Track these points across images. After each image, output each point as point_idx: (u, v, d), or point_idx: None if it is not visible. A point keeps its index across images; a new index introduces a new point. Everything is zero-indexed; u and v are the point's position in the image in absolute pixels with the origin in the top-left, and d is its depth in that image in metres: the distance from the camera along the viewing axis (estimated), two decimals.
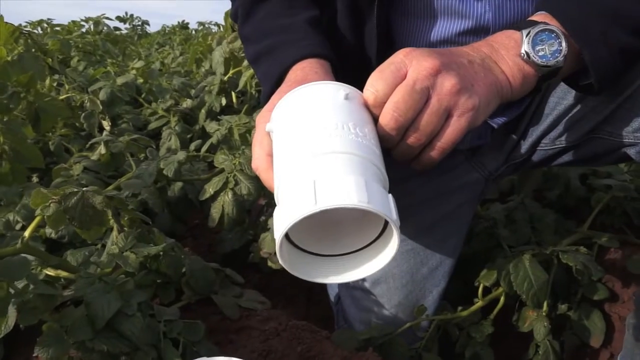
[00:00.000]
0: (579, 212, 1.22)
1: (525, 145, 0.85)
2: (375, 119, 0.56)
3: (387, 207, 0.45)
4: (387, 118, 0.54)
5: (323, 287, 1.17)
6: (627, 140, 0.69)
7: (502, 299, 0.96)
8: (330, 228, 0.51)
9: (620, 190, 1.16)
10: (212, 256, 1.23)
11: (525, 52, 0.58)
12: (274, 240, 0.98)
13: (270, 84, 0.68)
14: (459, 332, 0.97)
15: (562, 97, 0.77)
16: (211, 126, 1.21)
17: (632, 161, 0.82)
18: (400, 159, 0.60)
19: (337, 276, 0.50)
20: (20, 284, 0.57)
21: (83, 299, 0.58)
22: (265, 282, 1.22)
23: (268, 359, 0.69)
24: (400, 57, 0.56)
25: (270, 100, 0.61)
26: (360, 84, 0.58)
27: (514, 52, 0.59)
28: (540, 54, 0.58)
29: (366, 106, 0.56)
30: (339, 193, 0.43)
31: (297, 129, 0.51)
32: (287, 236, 0.47)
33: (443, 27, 0.73)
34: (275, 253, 0.97)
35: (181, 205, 1.25)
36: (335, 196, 0.43)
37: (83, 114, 1.53)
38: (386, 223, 0.48)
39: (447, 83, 0.54)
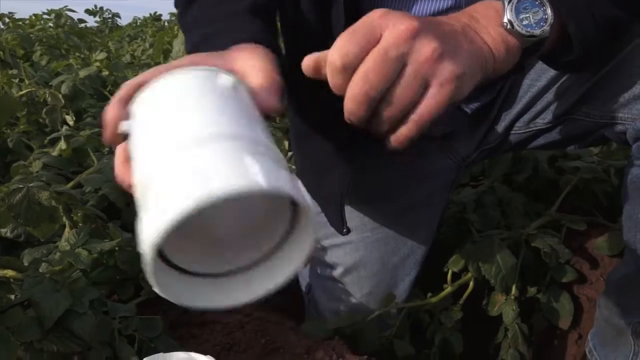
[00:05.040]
0: (548, 194, 1.22)
1: (498, 130, 0.83)
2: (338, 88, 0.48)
3: (295, 188, 0.34)
4: (355, 90, 0.47)
5: (297, 278, 1.16)
6: (604, 120, 0.67)
7: (471, 284, 0.96)
8: (209, 245, 0.40)
9: (588, 172, 1.16)
10: None
11: (508, 20, 0.52)
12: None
13: None
14: (429, 319, 0.97)
15: (535, 79, 0.76)
16: None
17: (609, 143, 0.81)
18: (373, 133, 0.52)
19: (227, 297, 0.39)
20: None
21: (31, 300, 0.55)
22: None
23: (231, 352, 0.67)
24: (375, 18, 0.48)
25: None
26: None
27: (496, 22, 0.53)
28: (524, 22, 0.52)
29: (252, 97, 0.46)
30: (234, 175, 0.32)
31: (162, 120, 0.40)
32: (161, 253, 0.36)
33: (417, 8, 0.71)
34: None
35: None
36: (232, 179, 0.32)
37: (45, 109, 1.49)
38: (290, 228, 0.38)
39: (425, 48, 0.46)
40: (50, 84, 1.67)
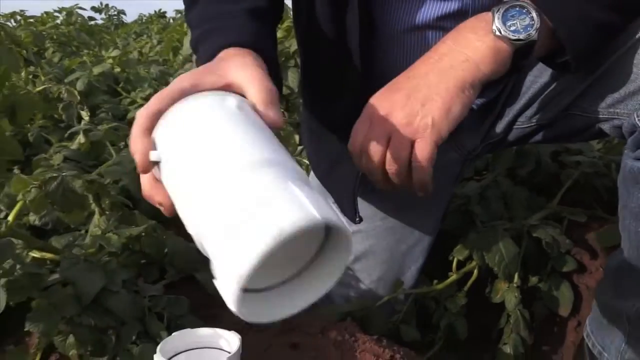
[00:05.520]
0: (550, 188, 1.26)
1: (502, 124, 0.87)
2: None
3: (337, 215, 0.37)
4: (362, 164, 0.64)
5: None
6: (601, 116, 0.71)
7: (475, 272, 1.00)
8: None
9: (589, 166, 1.20)
10: None
11: (497, 27, 0.59)
12: None
13: None
14: (435, 305, 1.01)
15: (538, 76, 0.79)
16: None
17: (608, 137, 0.86)
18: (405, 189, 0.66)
19: (292, 304, 0.41)
20: (7, 265, 0.59)
21: (69, 279, 0.60)
22: None
23: (251, 332, 0.72)
24: (369, 106, 0.64)
25: None
26: (341, 78, 0.63)
27: (485, 32, 0.60)
28: (512, 28, 0.59)
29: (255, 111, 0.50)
30: (296, 211, 0.35)
31: (197, 153, 0.43)
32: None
33: (425, 11, 0.74)
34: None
35: None
36: (296, 215, 0.35)
37: (61, 105, 1.53)
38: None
39: (398, 119, 0.61)
40: (64, 80, 1.71)
